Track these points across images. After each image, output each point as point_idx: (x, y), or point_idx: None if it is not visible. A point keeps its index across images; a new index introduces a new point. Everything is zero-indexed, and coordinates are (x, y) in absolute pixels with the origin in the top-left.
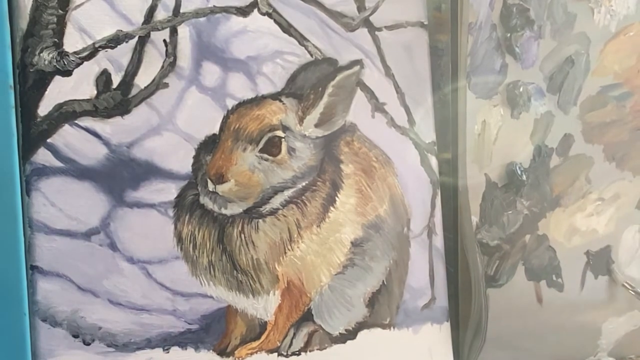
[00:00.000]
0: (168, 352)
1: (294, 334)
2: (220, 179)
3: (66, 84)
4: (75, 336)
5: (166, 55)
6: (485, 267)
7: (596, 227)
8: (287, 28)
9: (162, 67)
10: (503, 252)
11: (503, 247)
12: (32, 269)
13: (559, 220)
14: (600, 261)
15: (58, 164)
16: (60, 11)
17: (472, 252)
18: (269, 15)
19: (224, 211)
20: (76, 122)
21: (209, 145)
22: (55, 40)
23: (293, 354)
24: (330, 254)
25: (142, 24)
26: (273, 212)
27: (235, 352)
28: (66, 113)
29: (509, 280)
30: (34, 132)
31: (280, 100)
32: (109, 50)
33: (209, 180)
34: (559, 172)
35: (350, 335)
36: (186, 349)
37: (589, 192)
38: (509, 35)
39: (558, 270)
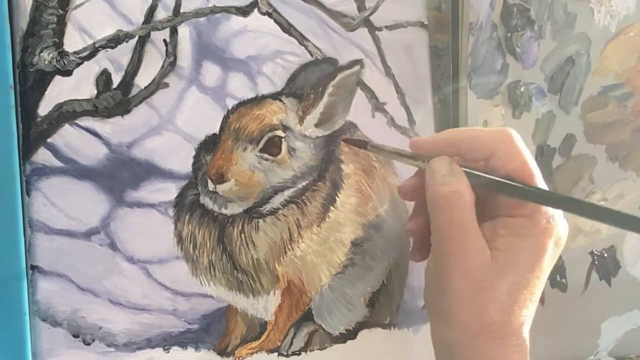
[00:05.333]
0: (168, 352)
1: (295, 334)
2: (221, 178)
3: (66, 84)
4: (76, 336)
5: (166, 55)
6: None
7: (600, 227)
8: (287, 28)
9: (162, 67)
10: None
11: None
12: (32, 269)
13: None
14: (605, 261)
15: (58, 163)
16: (60, 11)
17: None
18: (269, 15)
19: (224, 211)
20: (76, 122)
21: (209, 145)
22: (55, 40)
23: (293, 353)
24: (331, 254)
25: (142, 23)
26: (273, 212)
27: (236, 351)
28: (66, 113)
29: None
30: (34, 132)
31: (281, 100)
32: (109, 50)
33: (209, 180)
34: (562, 172)
35: (350, 335)
36: (186, 348)
37: (592, 192)
38: (509, 35)
39: (562, 271)
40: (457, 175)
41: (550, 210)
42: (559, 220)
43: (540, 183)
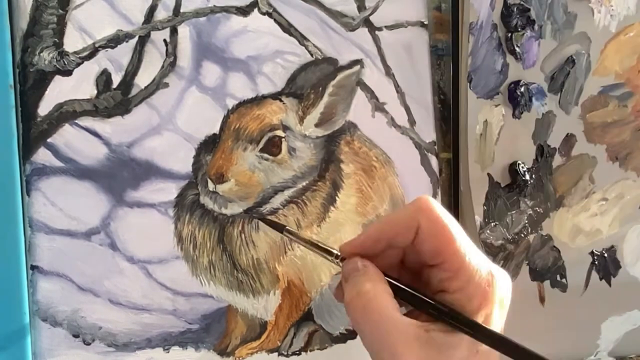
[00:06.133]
0: (168, 352)
1: (295, 334)
2: (221, 178)
3: (66, 84)
4: (76, 336)
5: (166, 55)
6: None
7: (600, 227)
8: (287, 28)
9: (162, 66)
10: (507, 252)
11: (507, 247)
12: (33, 268)
13: (563, 220)
14: (605, 261)
15: (58, 163)
16: (60, 11)
17: None
18: (269, 15)
19: (224, 211)
20: (76, 121)
21: (209, 145)
22: (56, 40)
23: (293, 353)
24: None
25: (142, 23)
26: (273, 212)
27: (236, 351)
28: (66, 113)
29: (513, 281)
30: (34, 132)
31: (281, 100)
32: (109, 50)
33: (209, 180)
34: (562, 171)
35: (350, 335)
36: (186, 348)
37: (592, 192)
38: (509, 35)
39: (562, 271)
40: (366, 276)
41: (488, 272)
42: (498, 279)
43: (465, 243)
